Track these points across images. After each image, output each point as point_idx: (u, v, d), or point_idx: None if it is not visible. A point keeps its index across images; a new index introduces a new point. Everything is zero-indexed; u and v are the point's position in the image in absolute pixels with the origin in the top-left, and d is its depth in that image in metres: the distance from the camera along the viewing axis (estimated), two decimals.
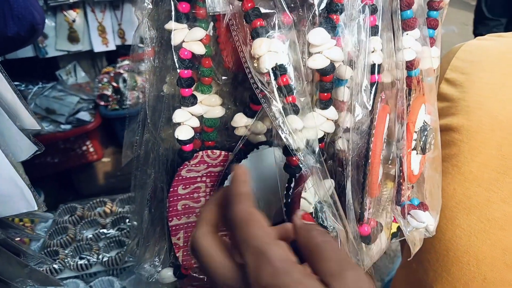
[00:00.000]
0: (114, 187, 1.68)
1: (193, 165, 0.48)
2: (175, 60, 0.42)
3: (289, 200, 0.41)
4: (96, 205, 1.50)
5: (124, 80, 2.06)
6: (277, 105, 0.39)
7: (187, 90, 0.44)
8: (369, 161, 0.44)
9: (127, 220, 1.40)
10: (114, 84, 2.11)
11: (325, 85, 0.44)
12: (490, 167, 0.53)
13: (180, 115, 0.45)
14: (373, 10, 0.44)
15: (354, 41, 0.45)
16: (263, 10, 0.39)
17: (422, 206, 0.52)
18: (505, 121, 0.53)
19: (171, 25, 0.42)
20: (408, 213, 0.49)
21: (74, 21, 2.06)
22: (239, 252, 0.29)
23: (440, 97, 0.59)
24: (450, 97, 0.58)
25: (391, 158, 0.50)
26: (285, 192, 0.42)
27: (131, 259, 1.22)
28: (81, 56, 2.22)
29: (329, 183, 0.44)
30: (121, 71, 2.09)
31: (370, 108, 0.45)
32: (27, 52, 2.04)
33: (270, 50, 0.39)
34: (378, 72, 0.45)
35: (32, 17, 1.19)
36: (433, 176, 0.53)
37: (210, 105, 0.47)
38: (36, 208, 0.52)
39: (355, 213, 0.45)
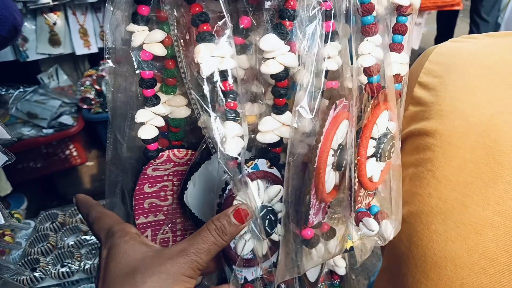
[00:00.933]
0: (99, 191, 1.66)
1: (159, 164, 0.48)
2: (135, 61, 0.41)
3: (223, 201, 0.42)
4: (78, 212, 1.47)
5: (107, 83, 2.04)
6: (209, 111, 0.39)
7: (149, 90, 0.43)
8: (315, 165, 0.44)
9: None
10: (97, 87, 2.08)
11: (279, 91, 0.44)
12: (464, 171, 0.53)
13: (143, 114, 0.44)
14: (329, 16, 0.43)
15: (307, 47, 0.44)
16: (212, 15, 0.39)
17: (381, 214, 0.51)
18: (478, 123, 0.52)
19: (131, 27, 0.42)
20: (360, 220, 0.49)
21: (55, 24, 2.04)
22: None
23: (413, 101, 0.58)
24: (423, 101, 0.57)
25: (343, 164, 0.49)
26: (220, 193, 0.42)
27: None
28: (62, 59, 2.19)
29: (277, 188, 0.45)
30: (104, 73, 2.07)
31: (313, 114, 0.44)
32: (7, 55, 2.01)
33: (213, 55, 0.38)
34: (332, 79, 0.45)
35: (13, 18, 1.19)
36: (395, 184, 0.53)
37: (175, 105, 0.46)
38: (3, 222, 0.50)
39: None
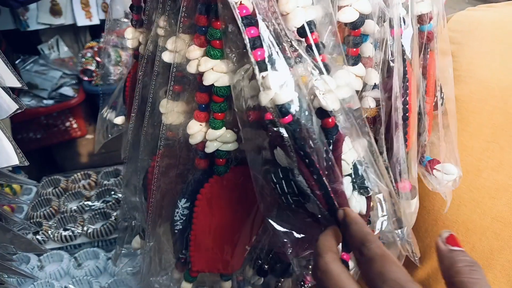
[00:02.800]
0: (98, 165, 1.67)
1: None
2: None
3: (329, 163, 0.38)
4: (81, 178, 1.49)
5: (109, 55, 2.03)
6: (310, 64, 0.38)
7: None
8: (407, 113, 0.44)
9: (112, 193, 1.39)
10: (98, 59, 2.07)
11: (355, 39, 0.43)
12: (480, 137, 0.53)
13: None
14: None
15: None
16: None
17: (434, 161, 0.51)
18: (496, 89, 0.52)
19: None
20: (434, 168, 0.49)
21: None
22: (371, 285, 0.28)
23: None
24: None
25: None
26: (324, 156, 0.38)
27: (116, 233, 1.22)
28: (63, 30, 2.17)
29: (365, 142, 0.41)
30: (106, 46, 2.06)
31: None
32: (7, 24, 1.99)
33: (298, 6, 0.38)
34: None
35: None
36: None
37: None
38: (17, 162, 0.51)
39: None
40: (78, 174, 1.48)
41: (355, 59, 0.44)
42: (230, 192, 0.50)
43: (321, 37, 0.41)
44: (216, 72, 0.43)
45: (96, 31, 2.22)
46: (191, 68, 0.44)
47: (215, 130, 0.46)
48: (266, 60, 0.37)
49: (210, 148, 0.46)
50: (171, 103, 0.50)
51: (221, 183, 0.49)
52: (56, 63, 2.13)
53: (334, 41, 0.42)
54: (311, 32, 0.38)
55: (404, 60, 0.44)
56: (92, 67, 2.05)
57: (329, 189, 0.37)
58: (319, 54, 0.39)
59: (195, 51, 0.44)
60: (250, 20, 0.37)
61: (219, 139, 0.46)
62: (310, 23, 0.38)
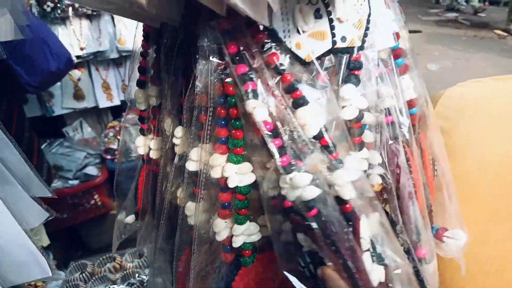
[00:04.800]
0: (123, 240, 1.68)
1: None
2: None
3: (351, 244, 0.42)
4: (106, 261, 1.50)
5: (129, 133, 2.11)
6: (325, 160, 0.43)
7: None
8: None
9: (137, 275, 1.39)
10: (120, 137, 2.15)
11: (358, 130, 0.49)
12: (483, 209, 0.54)
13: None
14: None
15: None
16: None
17: (442, 229, 0.53)
18: (493, 162, 0.54)
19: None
20: (444, 235, 0.52)
21: (79, 79, 2.14)
22: None
23: None
24: None
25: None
26: (345, 236, 0.42)
27: None
28: (87, 112, 2.28)
29: (377, 216, 0.46)
30: (126, 124, 2.15)
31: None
32: (35, 111, 2.10)
33: (312, 117, 0.43)
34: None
35: (67, 51, 1.38)
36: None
37: (242, 173, 0.49)
38: (50, 274, 0.53)
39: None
40: (104, 257, 1.50)
41: (360, 146, 0.49)
42: (260, 281, 0.51)
43: (329, 131, 0.45)
44: (239, 175, 0.46)
45: (117, 112, 2.32)
46: (216, 174, 0.47)
47: (240, 226, 0.48)
48: (291, 164, 0.42)
49: (237, 242, 0.49)
50: (195, 204, 0.52)
51: (249, 274, 0.50)
52: (80, 143, 2.22)
53: (340, 133, 0.46)
54: (321, 138, 0.43)
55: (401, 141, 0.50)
56: (115, 146, 2.13)
57: (353, 271, 0.41)
58: (332, 152, 0.43)
59: (218, 159, 0.46)
60: (275, 133, 0.41)
61: (245, 232, 0.49)
62: (322, 128, 0.43)
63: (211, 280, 0.54)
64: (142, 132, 0.64)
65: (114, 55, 2.11)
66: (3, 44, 1.03)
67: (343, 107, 0.47)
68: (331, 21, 0.44)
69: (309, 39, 0.44)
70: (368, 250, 0.44)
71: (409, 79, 0.53)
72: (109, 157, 2.13)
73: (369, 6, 0.45)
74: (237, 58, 0.42)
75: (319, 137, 0.43)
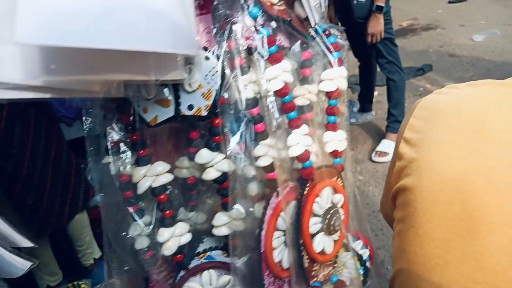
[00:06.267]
0: None
1: None
2: None
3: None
4: None
5: None
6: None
7: None
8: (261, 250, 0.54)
9: None
10: None
11: (222, 191, 0.53)
12: (443, 228, 0.53)
13: None
14: (257, 120, 0.52)
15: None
16: None
17: (340, 282, 0.55)
18: (453, 179, 0.53)
19: None
20: None
21: None
22: None
23: (399, 157, 0.60)
24: (406, 157, 0.59)
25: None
26: None
27: None
28: None
29: (227, 278, 0.53)
30: None
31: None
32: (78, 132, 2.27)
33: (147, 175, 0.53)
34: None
35: (77, 102, 1.47)
36: None
37: None
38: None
39: None
40: None
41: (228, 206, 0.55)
42: None
43: None
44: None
45: None
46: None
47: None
48: None
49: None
50: None
51: None
52: None
53: None
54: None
55: None
56: None
57: None
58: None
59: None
60: None
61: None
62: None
63: None
64: None
65: None
66: None
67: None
68: (176, 90, 0.47)
69: (155, 105, 0.48)
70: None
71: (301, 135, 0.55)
72: None
73: (221, 77, 0.48)
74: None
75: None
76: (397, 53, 2.34)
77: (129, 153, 0.52)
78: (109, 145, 0.52)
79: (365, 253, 0.73)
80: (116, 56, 0.37)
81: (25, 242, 0.70)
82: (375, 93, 2.87)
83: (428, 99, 0.62)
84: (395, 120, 2.39)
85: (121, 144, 0.52)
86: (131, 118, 0.50)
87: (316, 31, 0.57)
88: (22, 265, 0.68)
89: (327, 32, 0.58)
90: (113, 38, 0.35)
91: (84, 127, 0.52)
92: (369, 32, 2.20)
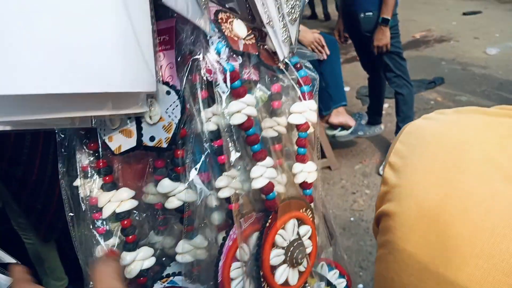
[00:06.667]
0: None
1: None
2: None
3: None
4: None
5: None
6: None
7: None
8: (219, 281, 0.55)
9: None
10: None
11: (185, 220, 0.54)
12: (419, 256, 0.53)
13: None
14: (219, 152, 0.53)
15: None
16: None
17: None
18: (429, 207, 0.52)
19: None
20: None
21: None
22: None
23: (384, 182, 0.60)
24: (390, 182, 0.59)
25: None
26: None
27: None
28: None
29: None
30: None
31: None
32: None
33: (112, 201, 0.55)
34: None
35: None
36: None
37: None
38: None
39: None
40: None
41: (192, 235, 0.57)
42: None
43: None
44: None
45: None
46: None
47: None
48: None
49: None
50: None
51: None
52: None
53: None
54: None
55: None
56: None
57: None
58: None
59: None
60: None
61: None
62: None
63: None
64: None
65: None
66: None
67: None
68: (139, 121, 0.49)
69: (119, 135, 0.50)
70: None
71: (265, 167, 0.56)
72: None
73: (181, 111, 0.49)
74: None
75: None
76: (405, 67, 2.34)
77: (96, 177, 0.54)
78: (78, 168, 0.54)
79: (341, 284, 0.72)
80: (71, 95, 0.39)
81: (8, 258, 0.74)
82: (385, 105, 2.84)
83: (415, 124, 0.61)
84: None
85: (89, 169, 0.54)
86: (98, 145, 0.52)
87: (286, 64, 0.57)
88: (5, 280, 0.72)
89: (298, 65, 0.58)
90: (63, 82, 0.37)
91: (57, 139, 0.54)
92: (375, 45, 2.22)
